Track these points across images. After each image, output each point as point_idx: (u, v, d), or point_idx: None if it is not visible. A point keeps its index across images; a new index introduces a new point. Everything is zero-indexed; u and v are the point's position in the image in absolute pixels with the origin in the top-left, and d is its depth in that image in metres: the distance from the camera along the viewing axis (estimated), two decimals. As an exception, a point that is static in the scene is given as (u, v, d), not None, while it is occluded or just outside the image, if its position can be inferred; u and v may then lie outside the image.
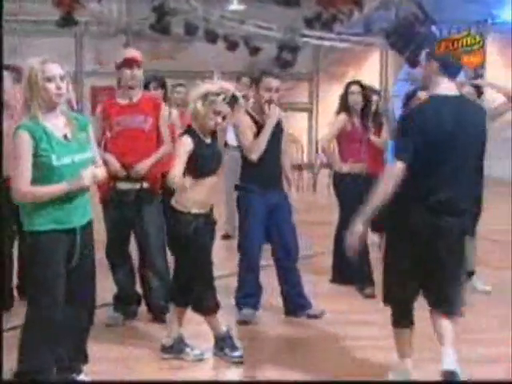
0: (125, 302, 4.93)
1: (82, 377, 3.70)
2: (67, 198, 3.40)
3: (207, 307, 4.15)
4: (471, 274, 5.49)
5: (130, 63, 4.73)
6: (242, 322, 4.82)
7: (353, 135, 5.74)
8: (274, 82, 4.82)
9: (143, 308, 4.99)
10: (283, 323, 4.97)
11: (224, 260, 6.20)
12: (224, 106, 4.00)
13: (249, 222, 4.83)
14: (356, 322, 4.98)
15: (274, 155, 4.89)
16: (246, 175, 4.92)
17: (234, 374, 4.19)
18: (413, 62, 12.69)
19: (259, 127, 4.80)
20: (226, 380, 4.10)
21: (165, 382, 3.97)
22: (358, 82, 5.91)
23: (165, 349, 4.22)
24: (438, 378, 3.93)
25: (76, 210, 3.46)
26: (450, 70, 3.63)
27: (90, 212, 3.60)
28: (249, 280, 4.89)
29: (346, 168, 5.70)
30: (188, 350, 4.21)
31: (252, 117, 4.83)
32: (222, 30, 12.87)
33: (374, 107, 6.12)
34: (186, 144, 4.01)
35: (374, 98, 6.17)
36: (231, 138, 7.32)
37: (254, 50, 13.09)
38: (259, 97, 4.83)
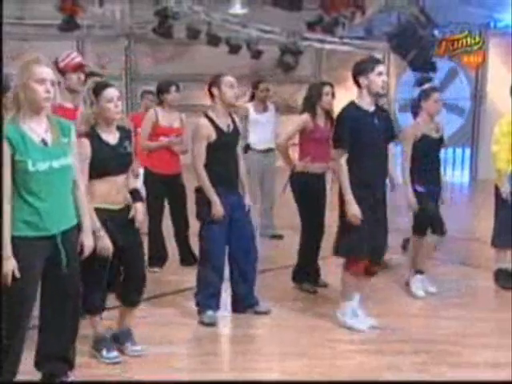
0: None
1: (71, 378, 3.66)
2: (42, 204, 3.28)
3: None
4: None
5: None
6: (210, 324, 4.80)
7: (314, 135, 5.59)
8: (234, 80, 4.80)
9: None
10: (252, 324, 4.92)
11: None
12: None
13: (212, 224, 4.79)
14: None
15: (233, 157, 4.90)
16: (208, 178, 4.78)
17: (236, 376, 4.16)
18: (415, 66, 12.70)
19: (219, 132, 4.75)
20: (223, 379, 4.07)
21: (165, 382, 3.97)
22: (329, 83, 5.83)
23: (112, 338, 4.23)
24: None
25: (53, 216, 3.33)
26: None
27: (73, 217, 3.48)
28: (214, 282, 4.87)
29: (300, 167, 5.57)
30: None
31: (212, 121, 4.77)
32: (224, 33, 12.90)
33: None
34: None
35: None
36: (253, 142, 7.34)
37: (257, 54, 13.13)
38: (222, 96, 4.75)
